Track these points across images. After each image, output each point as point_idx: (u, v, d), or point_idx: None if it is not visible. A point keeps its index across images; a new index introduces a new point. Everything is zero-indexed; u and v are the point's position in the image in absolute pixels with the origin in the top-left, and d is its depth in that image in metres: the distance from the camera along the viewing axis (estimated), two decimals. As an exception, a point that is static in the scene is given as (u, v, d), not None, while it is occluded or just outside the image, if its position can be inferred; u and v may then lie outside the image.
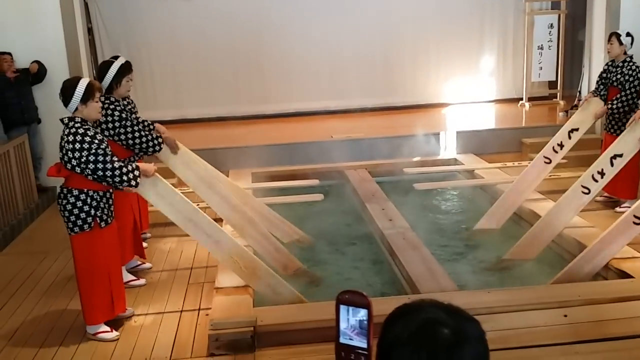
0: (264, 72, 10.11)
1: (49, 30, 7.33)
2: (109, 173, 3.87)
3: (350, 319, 1.15)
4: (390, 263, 5.17)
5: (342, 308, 1.15)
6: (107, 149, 3.92)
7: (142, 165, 4.09)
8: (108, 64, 5.01)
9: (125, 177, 3.91)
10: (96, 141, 3.88)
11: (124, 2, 9.77)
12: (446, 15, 10.18)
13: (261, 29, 9.98)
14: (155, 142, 4.83)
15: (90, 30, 9.37)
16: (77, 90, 3.95)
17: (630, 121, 5.17)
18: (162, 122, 8.83)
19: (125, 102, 5.09)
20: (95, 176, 3.88)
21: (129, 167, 3.96)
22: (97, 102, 4.04)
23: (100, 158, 3.85)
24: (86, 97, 3.96)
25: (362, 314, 1.14)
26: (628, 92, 5.85)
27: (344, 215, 6.54)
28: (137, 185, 3.99)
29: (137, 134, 4.76)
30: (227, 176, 7.49)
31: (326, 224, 6.26)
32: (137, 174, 3.99)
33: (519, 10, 10.26)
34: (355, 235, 6.07)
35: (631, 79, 5.86)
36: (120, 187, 3.96)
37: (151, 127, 5.25)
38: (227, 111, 10.08)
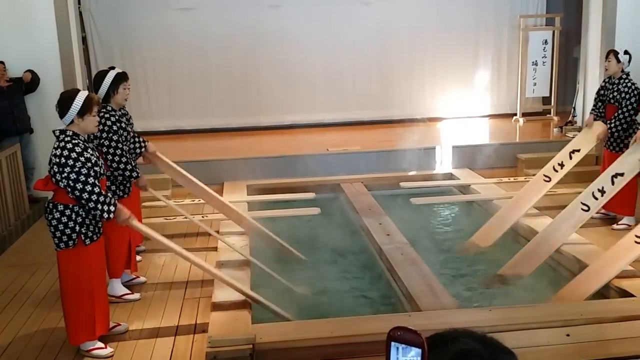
0: (259, 84, 10.08)
1: (43, 40, 7.26)
2: (85, 195, 3.74)
3: (400, 358, 1.08)
4: (388, 279, 5.12)
5: (393, 346, 1.09)
6: (91, 170, 3.78)
7: (121, 207, 3.96)
8: (104, 73, 4.99)
9: (99, 206, 3.78)
10: (82, 159, 3.76)
11: (119, 11, 9.72)
12: (441, 30, 10.21)
13: (257, 41, 9.95)
14: (128, 174, 4.84)
15: (84, 40, 9.30)
16: (75, 102, 3.86)
17: (632, 141, 5.18)
18: (156, 133, 8.87)
19: (121, 113, 5.04)
20: (72, 195, 3.77)
21: (107, 199, 3.83)
22: (94, 116, 3.96)
23: (82, 178, 3.73)
24: (84, 110, 3.87)
25: (414, 353, 1.07)
26: (625, 109, 5.86)
27: (340, 229, 6.48)
28: (108, 219, 3.89)
29: (117, 151, 4.74)
30: (222, 188, 7.46)
31: (323, 238, 6.20)
32: (112, 210, 3.85)
33: (513, 26, 10.30)
34: (352, 250, 6.02)
35: (627, 96, 5.87)
36: (93, 213, 3.83)
37: (144, 145, 5.30)
38: (222, 122, 10.02)
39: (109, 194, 3.92)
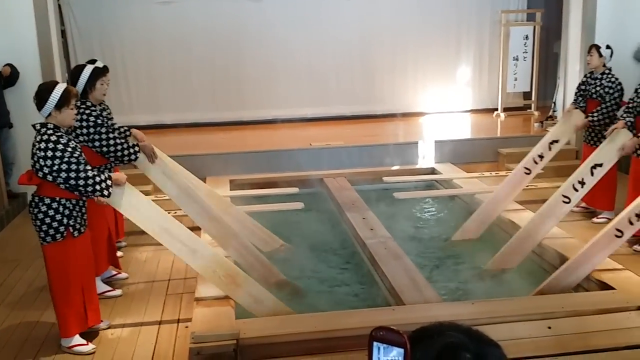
0: (242, 78, 10.03)
1: (21, 33, 7.15)
2: (81, 182, 3.74)
3: (382, 358, 1.08)
4: (372, 273, 5.13)
5: (375, 346, 1.09)
6: (80, 157, 3.80)
7: (113, 174, 3.99)
8: (81, 68, 4.86)
9: (97, 187, 3.79)
10: (69, 149, 3.76)
11: (98, 5, 9.61)
12: (423, 25, 10.23)
13: (240, 35, 9.90)
14: (131, 150, 4.65)
15: (63, 33, 9.19)
16: (52, 95, 3.83)
17: (609, 130, 5.22)
18: (137, 128, 8.72)
19: (101, 107, 4.96)
20: (67, 185, 3.75)
21: (102, 177, 3.84)
22: (72, 109, 3.92)
23: (73, 167, 3.72)
24: (61, 103, 3.84)
25: (395, 353, 1.07)
26: (608, 104, 5.90)
27: (324, 224, 6.49)
28: (109, 195, 3.87)
29: (111, 142, 4.60)
30: (205, 183, 7.41)
31: (306, 232, 6.20)
32: (110, 184, 3.87)
33: (494, 22, 10.36)
34: (336, 244, 6.03)
35: (611, 90, 5.91)
36: (92, 196, 3.84)
37: (127, 133, 5.13)
38: (204, 117, 9.96)
39: (99, 169, 3.91)
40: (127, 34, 9.74)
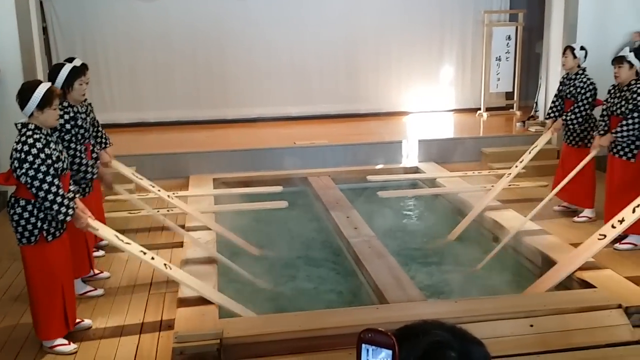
0: (225, 76, 9.98)
1: (2, 30, 7.05)
2: (41, 194, 3.65)
3: None
4: (356, 272, 5.14)
5: (364, 348, 1.09)
6: (50, 168, 3.68)
7: (78, 211, 3.87)
8: (59, 67, 4.75)
9: (55, 207, 3.69)
10: (42, 155, 3.65)
11: (81, 1, 9.52)
12: (407, 24, 10.25)
13: (223, 32, 9.86)
14: (89, 169, 4.66)
15: (45, 30, 9.08)
16: (35, 94, 3.76)
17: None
18: (119, 126, 8.69)
19: (82, 109, 4.86)
20: (31, 192, 3.67)
21: (66, 201, 3.73)
22: (54, 109, 3.85)
23: (40, 176, 3.63)
24: (43, 104, 3.76)
25: (384, 355, 1.07)
26: (580, 104, 5.97)
27: (308, 223, 6.49)
28: (64, 221, 3.81)
29: (70, 152, 4.53)
30: (188, 182, 7.40)
31: (290, 231, 6.19)
32: (70, 213, 3.76)
33: (477, 22, 10.41)
34: (320, 243, 6.03)
35: (583, 90, 5.98)
36: (48, 212, 3.74)
37: (104, 141, 5.13)
38: (187, 115, 9.90)
39: (69, 195, 3.81)
40: (110, 31, 9.66)
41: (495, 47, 10.07)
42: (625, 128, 5.23)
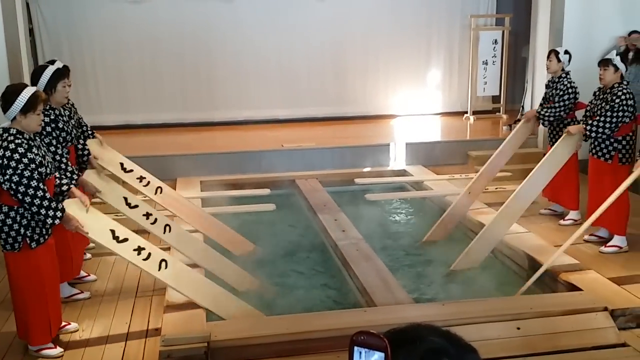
0: (213, 79, 9.96)
1: (-12, 31, 7.02)
2: (27, 199, 3.59)
3: None
4: (344, 274, 5.14)
5: (356, 350, 1.09)
6: (35, 172, 3.62)
7: (69, 214, 3.81)
8: (41, 69, 4.70)
9: (42, 211, 3.63)
10: (25, 160, 3.60)
11: (67, 3, 9.46)
12: (395, 28, 10.28)
13: (210, 35, 9.84)
14: (67, 173, 4.54)
15: (31, 32, 9.03)
16: (19, 98, 3.70)
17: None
18: (105, 128, 8.65)
19: (64, 111, 4.79)
20: (15, 198, 3.62)
21: (53, 205, 3.67)
22: (38, 114, 3.79)
23: (24, 181, 3.57)
24: (27, 108, 3.71)
25: (377, 357, 1.08)
26: (557, 104, 6.06)
27: (295, 226, 6.48)
28: (52, 225, 3.76)
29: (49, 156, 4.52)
30: (175, 184, 7.36)
31: (278, 234, 6.19)
32: (58, 216, 3.70)
33: (464, 26, 10.46)
34: (307, 246, 6.03)
35: (561, 92, 6.07)
36: (36, 217, 3.70)
37: (89, 132, 5.09)
38: (174, 117, 9.86)
39: (53, 200, 3.75)
40: (97, 33, 9.61)
41: (482, 51, 10.13)
42: (594, 124, 5.33)
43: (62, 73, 4.75)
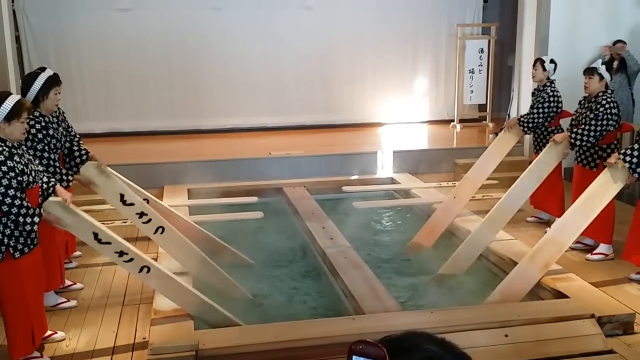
0: (201, 87, 9.96)
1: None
2: (4, 208, 3.55)
3: None
4: (332, 282, 5.14)
5: (354, 359, 1.10)
6: (13, 181, 3.57)
7: (45, 215, 3.74)
8: (34, 75, 4.72)
9: (20, 219, 3.59)
10: (4, 168, 3.56)
11: (54, 11, 9.42)
12: (382, 37, 10.34)
13: (198, 43, 9.84)
14: (64, 177, 4.56)
15: (17, 39, 8.97)
16: (3, 106, 3.66)
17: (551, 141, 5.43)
18: (92, 135, 8.62)
19: (53, 118, 4.78)
20: None
21: (30, 211, 3.62)
22: (22, 122, 3.76)
23: (1, 190, 3.52)
24: (11, 116, 3.67)
25: None
26: (535, 111, 6.13)
27: (283, 233, 6.47)
28: (30, 231, 3.70)
29: (43, 161, 4.48)
30: (162, 192, 7.34)
31: (266, 242, 6.18)
32: (36, 222, 3.65)
33: (451, 35, 10.54)
34: (295, 253, 6.02)
35: (542, 100, 6.15)
36: (17, 225, 3.65)
37: (81, 145, 5.06)
38: (162, 125, 9.83)
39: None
40: (84, 41, 9.58)
41: (468, 59, 10.20)
42: (579, 132, 5.39)
43: (55, 80, 4.76)
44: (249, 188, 7.42)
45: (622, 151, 4.80)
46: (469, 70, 10.23)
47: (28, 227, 3.66)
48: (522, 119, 6.18)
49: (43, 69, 4.92)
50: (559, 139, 5.47)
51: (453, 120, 10.32)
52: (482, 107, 10.57)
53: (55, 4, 9.41)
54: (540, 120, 6.11)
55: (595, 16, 8.23)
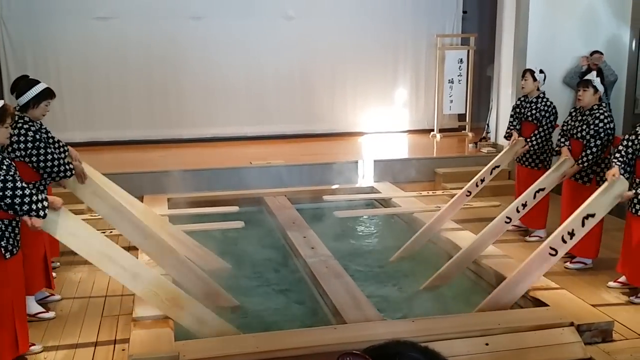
0: (181, 96, 9.91)
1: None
2: (17, 200, 3.55)
3: None
4: (313, 292, 5.13)
5: None
6: (15, 175, 3.63)
7: (49, 197, 3.81)
8: (30, 82, 4.77)
9: (34, 206, 3.61)
10: (4, 167, 3.59)
11: (33, 20, 9.33)
12: (362, 47, 10.38)
13: (178, 52, 9.80)
14: (67, 167, 4.57)
15: (-6, 46, 8.88)
16: None
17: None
18: (72, 145, 8.48)
19: (38, 124, 4.82)
20: (2, 204, 3.58)
21: (39, 196, 3.67)
22: (6, 127, 3.76)
23: (9, 184, 3.54)
24: None
25: None
26: (545, 127, 6.12)
27: (264, 243, 6.46)
28: (44, 216, 3.68)
29: (49, 157, 4.48)
30: (142, 201, 7.26)
31: (247, 251, 6.15)
32: (46, 205, 3.69)
33: (431, 45, 10.62)
34: (276, 263, 6.01)
35: (546, 114, 6.14)
36: (28, 215, 3.64)
37: (66, 148, 5.07)
38: (141, 134, 9.76)
39: (32, 187, 3.72)
40: (63, 49, 9.50)
41: (448, 70, 10.29)
42: (590, 157, 5.37)
43: (50, 94, 4.81)
44: (229, 197, 7.39)
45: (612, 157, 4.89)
46: (449, 80, 10.31)
47: (42, 213, 3.64)
48: (535, 142, 6.11)
49: (25, 77, 4.96)
50: (572, 174, 5.47)
51: (433, 130, 10.39)
52: (461, 117, 10.65)
53: (35, 13, 9.33)
54: (550, 134, 6.14)
55: (572, 27, 8.36)
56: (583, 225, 4.55)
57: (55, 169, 4.49)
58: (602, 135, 5.34)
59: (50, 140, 4.99)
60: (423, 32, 10.68)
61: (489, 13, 10.17)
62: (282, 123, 10.25)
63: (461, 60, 10.31)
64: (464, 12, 10.93)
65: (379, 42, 10.49)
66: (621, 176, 4.70)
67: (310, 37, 10.18)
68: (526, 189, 5.66)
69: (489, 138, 9.44)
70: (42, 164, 4.44)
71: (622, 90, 8.45)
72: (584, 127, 5.48)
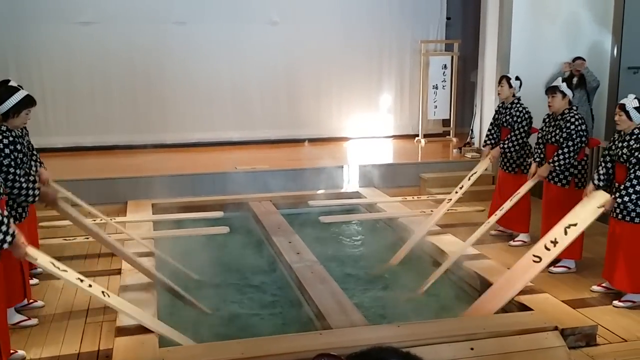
0: (165, 100, 9.87)
1: None
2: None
3: None
4: (299, 297, 5.12)
5: None
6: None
7: (19, 241, 3.59)
8: (11, 90, 4.65)
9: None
10: None
11: (14, 24, 9.24)
12: (347, 52, 10.42)
13: (162, 57, 9.77)
14: (30, 193, 4.43)
15: (-24, 51, 8.79)
16: None
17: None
18: (54, 150, 8.46)
19: (19, 132, 4.69)
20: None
21: (4, 229, 3.46)
22: None
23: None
24: None
25: None
26: (517, 132, 6.21)
27: (249, 248, 6.44)
28: (1, 248, 3.51)
29: (10, 176, 4.34)
30: (126, 207, 7.24)
31: (231, 256, 6.13)
32: (8, 240, 3.48)
33: (415, 51, 10.68)
34: (261, 269, 5.99)
35: (519, 119, 6.22)
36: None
37: (37, 169, 5.00)
38: (125, 139, 9.69)
39: (6, 221, 3.53)
40: (45, 54, 9.42)
41: (432, 75, 10.34)
42: (561, 157, 5.46)
43: (30, 102, 4.70)
44: (214, 203, 7.36)
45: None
46: (433, 85, 10.37)
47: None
48: (506, 147, 6.22)
49: (7, 82, 4.88)
50: (544, 174, 5.62)
51: (417, 135, 10.44)
52: (445, 122, 10.70)
53: (17, 17, 9.25)
54: (524, 139, 6.22)
55: (555, 33, 8.45)
56: (566, 234, 4.60)
57: (16, 191, 4.36)
58: (574, 137, 5.44)
59: (29, 154, 4.89)
60: (407, 38, 10.73)
61: (473, 19, 10.24)
62: (267, 128, 10.24)
63: (445, 66, 10.37)
64: (448, 18, 11.00)
65: (363, 48, 10.52)
66: (600, 190, 4.80)
67: (295, 43, 10.19)
68: (503, 191, 5.87)
69: (473, 143, 9.50)
70: (6, 182, 4.32)
71: (604, 96, 8.56)
72: (557, 131, 5.60)
